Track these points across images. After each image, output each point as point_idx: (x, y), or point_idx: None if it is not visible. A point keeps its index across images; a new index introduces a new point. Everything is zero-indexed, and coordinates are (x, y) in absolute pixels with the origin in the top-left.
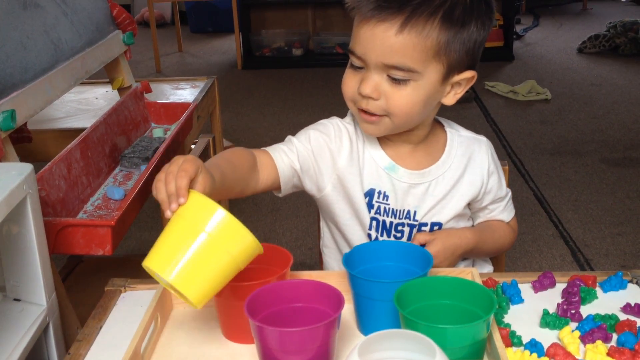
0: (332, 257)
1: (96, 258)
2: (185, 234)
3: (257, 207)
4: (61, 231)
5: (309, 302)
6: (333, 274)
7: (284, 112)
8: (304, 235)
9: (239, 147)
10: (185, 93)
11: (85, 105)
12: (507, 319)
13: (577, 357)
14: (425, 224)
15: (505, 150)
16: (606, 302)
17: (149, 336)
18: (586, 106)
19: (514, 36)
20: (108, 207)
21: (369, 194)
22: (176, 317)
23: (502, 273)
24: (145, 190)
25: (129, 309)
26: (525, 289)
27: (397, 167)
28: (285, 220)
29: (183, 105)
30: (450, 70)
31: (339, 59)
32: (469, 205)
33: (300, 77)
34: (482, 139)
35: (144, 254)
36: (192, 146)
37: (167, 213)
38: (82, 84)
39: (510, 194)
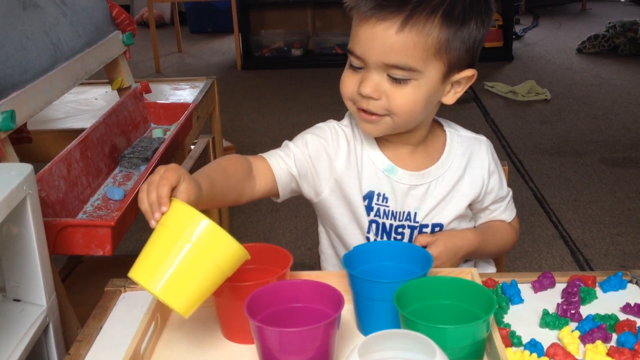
0: (329, 262)
1: (96, 258)
2: (169, 244)
3: (257, 208)
4: (61, 231)
5: (309, 302)
6: (333, 274)
7: (284, 113)
8: (304, 236)
9: (234, 154)
10: (185, 93)
11: (84, 105)
12: (507, 319)
13: (576, 357)
14: (427, 226)
15: (505, 151)
16: (606, 302)
17: (149, 336)
18: (586, 106)
19: (514, 36)
20: (108, 208)
21: (368, 197)
22: (176, 318)
23: (501, 273)
24: None
25: (128, 310)
26: (525, 289)
27: (396, 168)
28: (284, 221)
29: (182, 106)
30: (451, 69)
31: (338, 59)
32: (470, 206)
33: (299, 78)
34: (482, 138)
35: None
36: (192, 146)
37: (152, 223)
38: (82, 84)
39: (511, 193)
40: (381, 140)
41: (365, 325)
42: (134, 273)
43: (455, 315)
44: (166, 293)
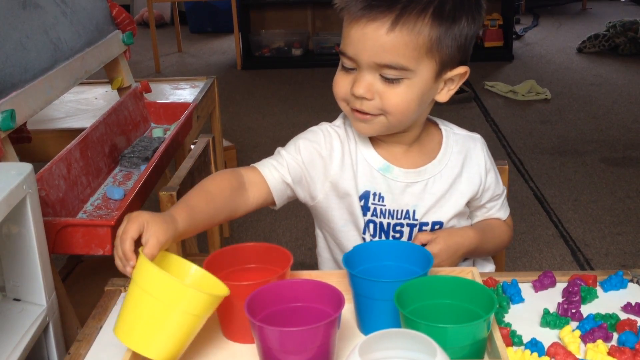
0: (325, 265)
1: (96, 258)
2: (139, 301)
3: None
4: (61, 231)
5: (309, 301)
6: (333, 273)
7: (284, 112)
8: (304, 236)
9: (223, 171)
10: (185, 93)
11: (84, 105)
12: (507, 318)
13: (577, 356)
14: (426, 224)
15: (505, 150)
16: (607, 302)
17: None
18: (586, 106)
19: (514, 36)
20: (108, 207)
21: (364, 197)
22: None
23: (502, 272)
24: (145, 190)
25: None
26: (526, 288)
27: (391, 167)
28: (284, 220)
29: (183, 105)
30: (443, 67)
31: (338, 59)
32: (467, 203)
33: (299, 77)
34: (477, 136)
35: None
36: (192, 146)
37: (127, 272)
38: (82, 84)
39: (505, 191)
40: (375, 140)
41: (366, 324)
42: (116, 330)
43: (456, 315)
44: (145, 349)
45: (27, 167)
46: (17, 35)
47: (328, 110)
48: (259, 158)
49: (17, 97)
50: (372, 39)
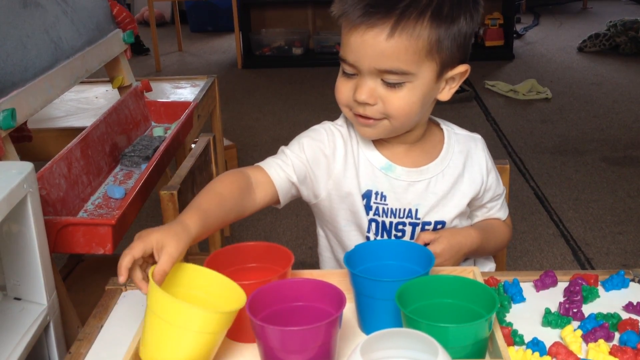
0: (327, 265)
1: (97, 257)
2: (156, 326)
3: None
4: (62, 230)
5: (311, 301)
6: (334, 272)
7: (284, 111)
8: (304, 235)
9: (231, 172)
10: (186, 92)
11: (85, 104)
12: (509, 317)
13: (579, 356)
14: (429, 223)
15: (506, 150)
16: (608, 301)
17: None
18: (587, 105)
19: (514, 35)
20: (108, 206)
21: (366, 196)
22: None
23: (503, 272)
24: (146, 189)
25: (129, 308)
26: (527, 287)
27: (394, 166)
28: (285, 220)
29: (183, 104)
30: (444, 67)
31: (338, 58)
32: (468, 203)
33: (300, 76)
34: (477, 136)
35: None
36: (193, 145)
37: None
38: (82, 82)
39: (505, 191)
40: (378, 139)
41: (367, 324)
42: (141, 353)
43: (458, 314)
44: None
45: (28, 166)
46: (18, 34)
47: (329, 109)
48: (259, 157)
49: (18, 96)
50: (372, 45)
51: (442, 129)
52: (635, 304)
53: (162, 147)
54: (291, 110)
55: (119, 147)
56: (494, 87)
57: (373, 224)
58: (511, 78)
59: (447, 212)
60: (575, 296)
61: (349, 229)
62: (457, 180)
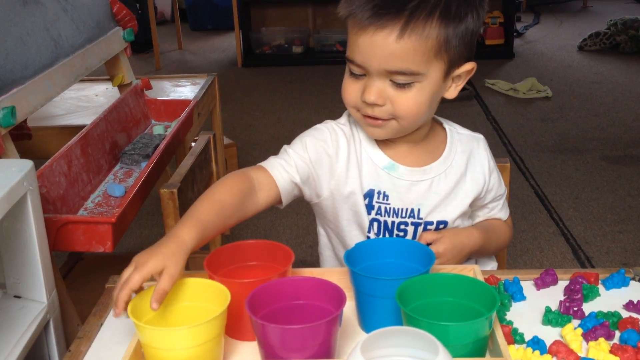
0: (328, 263)
1: (97, 255)
2: (155, 356)
3: None
4: (61, 228)
5: (311, 299)
6: (334, 271)
7: (284, 110)
8: (305, 233)
9: (233, 174)
10: (186, 90)
11: (85, 102)
12: (509, 316)
13: (579, 354)
14: (431, 223)
15: (506, 148)
16: (608, 300)
17: None
18: (587, 104)
19: (515, 34)
20: (108, 204)
21: (369, 195)
22: None
23: (504, 270)
24: (146, 187)
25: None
26: (528, 286)
27: (396, 165)
28: (285, 218)
29: (183, 103)
30: (451, 66)
31: (339, 57)
32: (470, 203)
33: (300, 75)
34: (479, 136)
35: None
36: (193, 143)
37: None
38: (82, 80)
39: (506, 191)
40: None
41: (367, 322)
42: None
43: (458, 313)
44: None
45: (28, 163)
46: (18, 32)
47: (329, 108)
48: (259, 155)
49: (18, 93)
50: (382, 47)
51: (444, 129)
52: (635, 302)
53: (162, 145)
54: (291, 108)
55: (119, 145)
56: (494, 86)
57: (375, 224)
58: (511, 77)
59: (450, 212)
60: (576, 295)
61: (350, 228)
62: (460, 180)
